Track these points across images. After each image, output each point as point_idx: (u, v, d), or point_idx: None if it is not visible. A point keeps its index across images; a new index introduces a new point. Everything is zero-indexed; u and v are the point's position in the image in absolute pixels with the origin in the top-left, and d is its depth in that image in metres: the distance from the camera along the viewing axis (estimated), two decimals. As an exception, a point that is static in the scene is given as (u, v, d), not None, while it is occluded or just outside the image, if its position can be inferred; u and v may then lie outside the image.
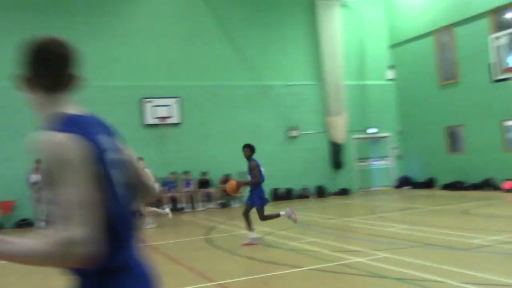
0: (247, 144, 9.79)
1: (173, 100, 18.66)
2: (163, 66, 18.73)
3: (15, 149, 16.49)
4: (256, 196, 9.42)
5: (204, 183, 18.49)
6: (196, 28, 19.41)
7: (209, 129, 19.11)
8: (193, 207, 17.99)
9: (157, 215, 14.10)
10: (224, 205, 18.41)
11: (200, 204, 18.10)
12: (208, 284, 6.66)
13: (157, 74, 18.61)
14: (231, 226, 12.76)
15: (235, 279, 6.77)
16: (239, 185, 9.76)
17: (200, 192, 18.24)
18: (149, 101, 18.36)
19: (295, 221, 9.72)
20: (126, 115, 18.04)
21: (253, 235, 9.50)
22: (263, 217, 9.48)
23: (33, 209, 16.04)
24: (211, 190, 18.47)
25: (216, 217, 15.17)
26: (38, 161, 15.81)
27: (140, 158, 13.96)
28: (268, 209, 9.69)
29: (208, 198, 18.44)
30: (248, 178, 9.62)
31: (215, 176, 18.86)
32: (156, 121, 18.35)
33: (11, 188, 16.20)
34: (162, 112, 18.43)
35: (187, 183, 18.23)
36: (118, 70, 18.11)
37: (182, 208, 17.71)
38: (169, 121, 18.54)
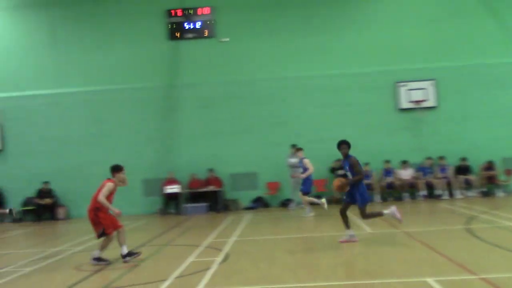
0: (343, 140, 9.28)
1: (429, 82, 17.98)
2: (417, 48, 18.19)
3: (282, 135, 18.12)
4: (358, 193, 9.04)
5: (463, 170, 17.38)
6: (451, 5, 18.28)
7: (468, 112, 17.87)
8: (450, 195, 17.08)
9: (314, 204, 14.01)
10: (486, 194, 17.04)
11: (459, 191, 17.07)
12: (469, 276, 6.29)
13: (411, 57, 18.17)
14: (495, 217, 11.75)
15: (502, 275, 6.24)
16: (344, 184, 9.13)
17: (458, 178, 17.21)
18: (403, 85, 18.05)
19: (400, 220, 9.25)
20: (379, 100, 18.14)
21: (350, 232, 9.27)
22: (365, 215, 9.18)
23: (291, 190, 17.37)
24: (471, 177, 17.26)
25: (477, 206, 14.13)
26: (293, 146, 17.02)
27: (299, 149, 14.19)
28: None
29: (468, 185, 17.28)
30: (349, 175, 9.19)
31: (475, 162, 17.56)
32: (411, 105, 17.95)
33: (277, 170, 17.84)
34: (417, 95, 17.93)
35: (443, 169, 17.40)
36: (372, 56, 18.25)
37: (439, 195, 16.98)
38: (424, 104, 17.94)
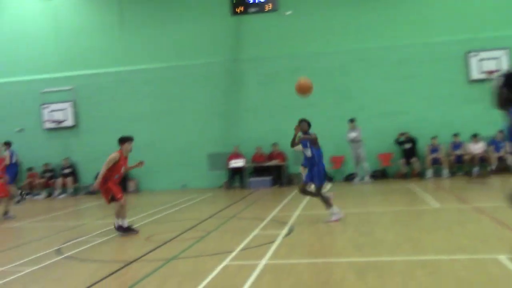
0: (304, 118, 9.28)
1: (502, 52, 17.07)
2: (489, 15, 17.24)
3: (346, 109, 17.81)
4: (313, 174, 9.26)
5: (539, 143, 16.50)
6: (530, -33, 17.16)
7: (546, 82, 16.83)
8: (525, 169, 16.30)
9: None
10: None
11: (535, 166, 16.25)
12: (544, 254, 6.05)
13: (482, 25, 17.26)
14: None
15: None
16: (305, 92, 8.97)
17: (534, 152, 16.39)
18: (474, 55, 17.24)
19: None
20: (449, 71, 17.45)
21: (335, 209, 9.31)
22: (319, 195, 9.33)
23: (354, 164, 17.19)
24: (548, 150, 16.37)
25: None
26: (352, 120, 16.75)
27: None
28: None
29: (544, 159, 16.41)
30: (308, 153, 9.27)
31: (553, 135, 16.59)
32: (482, 76, 17.15)
33: (341, 144, 17.59)
34: (489, 65, 17.10)
35: (517, 143, 16.58)
36: (440, 25, 17.51)
37: (512, 170, 16.25)
38: (497, 74, 17.07)
